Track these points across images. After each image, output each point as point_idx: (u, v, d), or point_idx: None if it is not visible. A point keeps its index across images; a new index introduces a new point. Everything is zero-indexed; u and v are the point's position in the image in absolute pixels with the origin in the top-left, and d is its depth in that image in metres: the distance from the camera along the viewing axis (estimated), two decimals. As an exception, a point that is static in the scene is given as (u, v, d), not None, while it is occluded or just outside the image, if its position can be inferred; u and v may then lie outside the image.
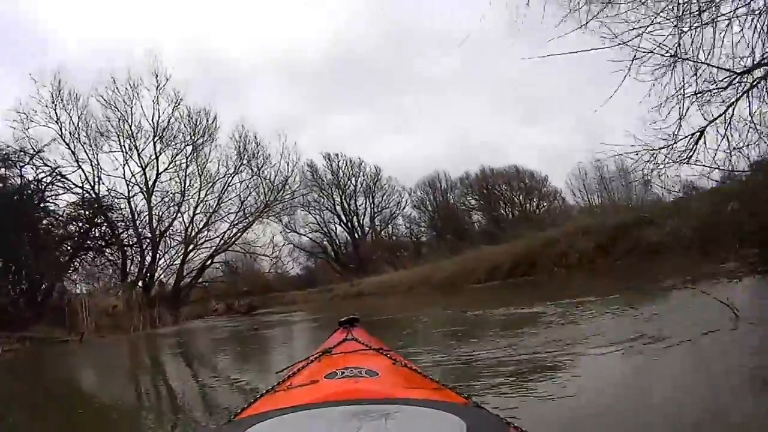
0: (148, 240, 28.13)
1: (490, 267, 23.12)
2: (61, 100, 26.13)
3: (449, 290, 23.78)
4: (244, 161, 31.18)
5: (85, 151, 26.55)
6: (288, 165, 32.57)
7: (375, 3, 56.80)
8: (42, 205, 22.04)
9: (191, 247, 29.45)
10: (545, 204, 52.31)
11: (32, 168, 22.43)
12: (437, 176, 53.73)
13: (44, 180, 22.97)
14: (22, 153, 22.65)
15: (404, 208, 54.21)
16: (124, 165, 28.01)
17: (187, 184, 29.73)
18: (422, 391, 1.65)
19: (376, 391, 1.56)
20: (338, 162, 53.71)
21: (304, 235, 53.04)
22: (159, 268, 29.04)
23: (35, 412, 7.07)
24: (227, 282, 31.93)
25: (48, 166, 23.49)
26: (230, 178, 30.74)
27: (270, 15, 64.60)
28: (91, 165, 26.56)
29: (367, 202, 54.28)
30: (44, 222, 22.24)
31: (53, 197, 23.12)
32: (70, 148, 26.07)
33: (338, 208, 54.21)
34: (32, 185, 21.98)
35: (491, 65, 58.70)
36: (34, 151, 22.86)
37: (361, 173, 54.16)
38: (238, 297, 31.43)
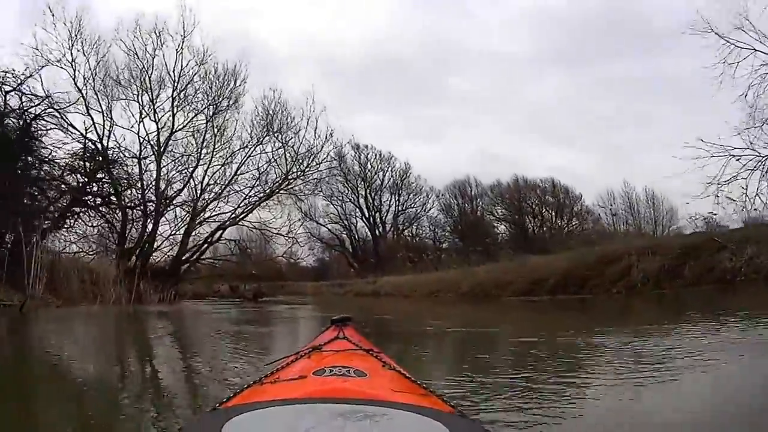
0: (152, 204, 24.89)
1: (532, 279, 19.71)
2: (80, 40, 23.17)
3: (481, 301, 20.44)
4: (270, 131, 27.29)
5: (98, 99, 23.59)
6: (316, 134, 28.18)
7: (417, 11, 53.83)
8: (26, 140, 18.43)
9: (199, 219, 26.10)
10: (577, 223, 48.79)
11: (18, 95, 18.80)
12: (467, 181, 50.14)
13: (31, 110, 19.08)
14: (5, 74, 18.87)
15: (430, 209, 50.72)
16: (140, 122, 24.69)
17: (204, 149, 26.09)
18: (409, 396, 1.61)
19: (363, 391, 1.52)
20: (367, 154, 50.47)
21: (323, 225, 49.84)
22: (162, 237, 25.78)
23: None
24: (236, 263, 28.33)
25: (37, 96, 19.49)
26: (252, 149, 27.06)
27: (312, 5, 61.39)
28: (103, 116, 23.48)
29: (393, 199, 50.88)
30: (27, 160, 18.63)
31: (42, 134, 19.26)
32: (81, 93, 23.15)
33: (362, 201, 50.98)
34: (14, 114, 18.42)
35: (522, 86, 57.71)
36: (25, 76, 19.30)
37: (390, 168, 50.83)
38: (245, 280, 28.36)
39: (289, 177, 27.71)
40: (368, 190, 50.44)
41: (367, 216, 50.84)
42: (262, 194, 26.97)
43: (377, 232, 50.74)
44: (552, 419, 3.67)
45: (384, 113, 65.59)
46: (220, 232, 26.85)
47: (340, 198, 50.50)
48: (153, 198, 24.74)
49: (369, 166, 50.26)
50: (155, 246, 25.23)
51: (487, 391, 4.58)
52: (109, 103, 23.92)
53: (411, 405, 1.46)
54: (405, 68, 59.80)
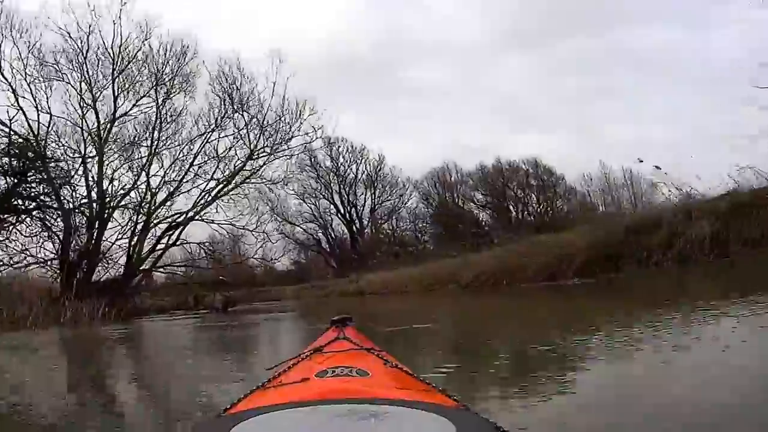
0: (95, 206, 20.57)
1: (549, 261, 16.45)
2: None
3: (491, 291, 17.14)
4: (231, 103, 23.17)
5: (30, 88, 19.64)
6: (285, 103, 24.04)
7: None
8: None
9: (153, 220, 22.02)
10: (562, 204, 45.84)
11: None
12: (446, 168, 46.83)
13: None
14: None
15: (408, 201, 47.29)
16: (81, 110, 20.64)
17: (155, 139, 21.95)
18: (413, 393, 1.55)
19: (367, 391, 1.48)
20: (338, 147, 46.85)
21: (297, 225, 46.04)
22: (110, 244, 21.67)
23: None
24: (200, 269, 24.42)
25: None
26: (209, 133, 23.04)
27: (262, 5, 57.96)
28: (36, 105, 19.50)
29: (368, 193, 47.32)
30: None
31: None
32: (7, 81, 19.23)
33: (336, 197, 47.33)
34: None
35: (484, 73, 55.91)
36: None
37: (363, 161, 47.27)
38: (214, 289, 23.32)
39: (255, 155, 23.64)
40: (342, 186, 46.90)
41: (342, 212, 47.17)
42: (224, 182, 23.11)
43: (354, 228, 47.16)
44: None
45: (347, 111, 65.19)
46: (176, 232, 22.91)
47: (313, 195, 46.85)
48: (95, 198, 20.71)
49: (341, 160, 46.75)
50: (100, 255, 21.15)
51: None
52: (44, 90, 19.93)
53: (415, 401, 1.40)
54: (361, 66, 57.52)
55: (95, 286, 19.49)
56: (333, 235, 47.92)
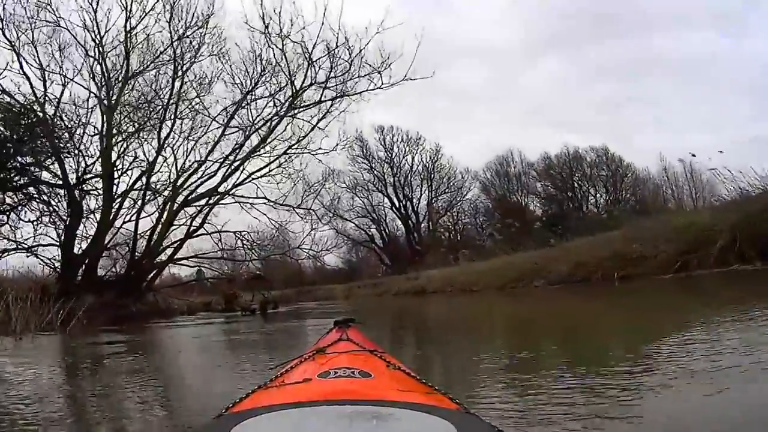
0: (104, 184, 16.56)
1: (680, 247, 12.18)
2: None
3: (601, 288, 13.01)
4: (267, 35, 17.23)
5: (39, 60, 16.52)
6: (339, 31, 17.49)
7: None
8: None
9: (175, 197, 17.49)
10: (633, 197, 40.73)
11: None
12: (509, 157, 42.43)
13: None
14: None
15: (467, 194, 43.09)
16: (92, 73, 16.94)
17: (177, 103, 17.46)
18: (415, 395, 1.54)
19: (369, 392, 1.48)
20: (392, 136, 43.12)
21: (349, 220, 42.50)
22: (125, 231, 17.77)
23: None
24: (234, 261, 19.85)
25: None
26: (245, 96, 17.76)
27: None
28: (44, 74, 16.21)
29: (425, 185, 43.37)
30: None
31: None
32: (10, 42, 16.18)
33: (390, 190, 43.59)
34: None
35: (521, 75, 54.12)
36: None
37: (419, 151, 43.36)
38: (251, 287, 18.95)
39: (301, 92, 17.74)
40: (396, 177, 43.13)
41: (397, 206, 43.51)
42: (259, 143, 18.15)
43: (410, 223, 43.38)
44: None
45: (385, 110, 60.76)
46: (203, 214, 18.33)
47: (366, 188, 43.33)
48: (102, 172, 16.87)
49: (396, 150, 42.98)
50: (108, 243, 17.37)
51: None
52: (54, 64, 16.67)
53: (417, 404, 1.40)
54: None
55: (100, 282, 16.20)
56: (387, 231, 44.22)
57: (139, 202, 17.75)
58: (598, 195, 41.44)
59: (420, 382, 1.71)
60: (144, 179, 17.60)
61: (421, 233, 43.26)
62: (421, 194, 43.29)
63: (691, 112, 47.87)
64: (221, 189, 17.96)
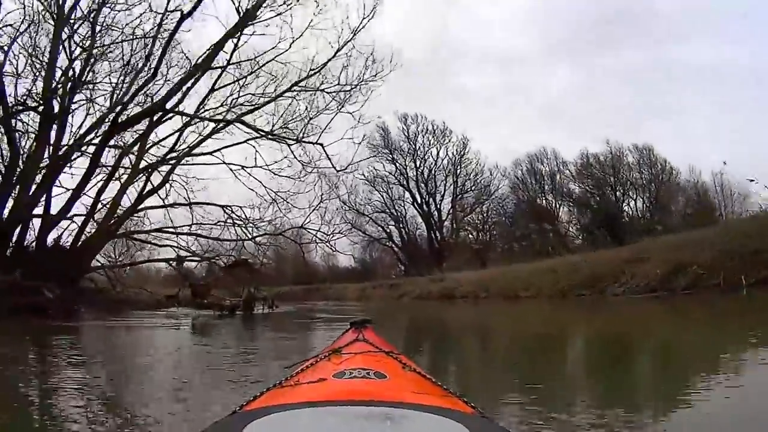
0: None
1: None
2: None
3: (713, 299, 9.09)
4: None
5: None
6: None
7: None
8: None
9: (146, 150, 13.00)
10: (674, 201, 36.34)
11: None
12: (543, 154, 38.15)
13: None
14: None
15: (495, 192, 38.89)
16: None
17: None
18: (429, 397, 1.49)
19: (383, 393, 1.43)
20: (417, 126, 39.19)
21: (366, 214, 38.65)
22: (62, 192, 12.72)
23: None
24: (211, 243, 14.54)
25: None
26: None
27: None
28: None
29: (450, 180, 39.34)
30: None
31: None
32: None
33: (412, 184, 39.66)
34: None
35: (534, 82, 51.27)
36: None
37: (445, 144, 39.36)
38: (233, 276, 14.04)
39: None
40: (419, 171, 39.16)
41: (419, 202, 39.56)
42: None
43: (432, 221, 39.40)
44: None
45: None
46: (164, 169, 13.56)
47: (385, 181, 39.43)
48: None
49: (420, 141, 39.01)
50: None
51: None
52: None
53: (431, 406, 1.35)
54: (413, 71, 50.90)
55: (29, 258, 11.47)
56: (407, 228, 40.23)
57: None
58: (638, 199, 37.16)
59: (435, 384, 1.65)
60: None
61: (443, 233, 39.30)
62: (445, 190, 39.29)
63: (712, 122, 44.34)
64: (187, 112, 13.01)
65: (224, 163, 13.13)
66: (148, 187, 13.45)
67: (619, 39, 52.42)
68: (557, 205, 38.14)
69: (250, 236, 12.97)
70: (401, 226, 40.08)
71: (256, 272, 13.78)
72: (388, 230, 40.28)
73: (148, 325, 9.75)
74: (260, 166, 12.93)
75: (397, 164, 39.25)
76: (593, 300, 12.10)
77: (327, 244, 13.67)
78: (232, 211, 13.19)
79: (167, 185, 13.41)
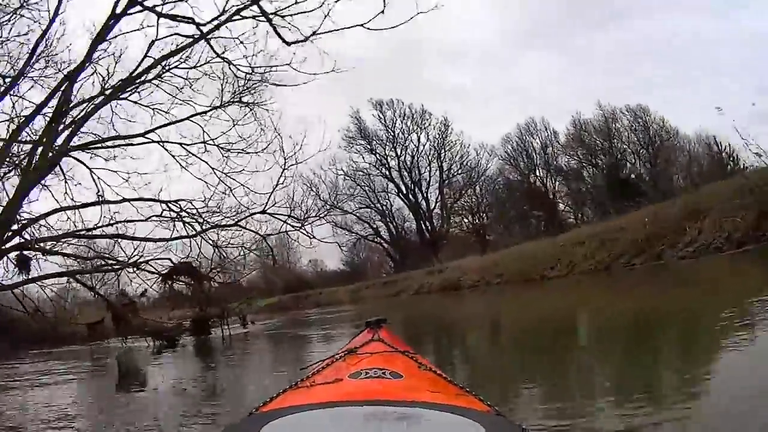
0: None
1: None
2: None
3: None
4: None
5: None
6: None
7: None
8: None
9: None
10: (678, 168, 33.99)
11: None
12: (533, 125, 35.41)
13: None
14: None
15: (484, 172, 36.21)
16: None
17: None
18: (445, 396, 1.51)
19: (399, 393, 1.45)
20: (393, 112, 36.47)
21: (350, 212, 35.76)
22: None
23: None
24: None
25: None
26: None
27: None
28: None
29: (434, 165, 36.68)
30: None
31: None
32: None
33: (395, 174, 36.95)
34: None
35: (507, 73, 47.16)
36: None
37: (426, 128, 36.66)
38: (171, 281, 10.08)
39: None
40: (401, 159, 36.41)
41: (404, 192, 36.83)
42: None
43: (421, 210, 36.73)
44: None
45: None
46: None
47: (366, 173, 36.64)
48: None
49: (398, 127, 36.28)
50: None
51: None
52: None
53: (447, 405, 1.37)
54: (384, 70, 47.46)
55: None
56: (395, 222, 37.48)
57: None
58: (637, 162, 34.80)
59: (451, 384, 1.66)
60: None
61: (434, 222, 36.68)
62: (431, 177, 36.64)
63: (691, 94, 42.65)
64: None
65: (158, 142, 9.74)
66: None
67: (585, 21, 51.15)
68: (553, 180, 35.85)
69: (195, 231, 9.56)
70: (388, 220, 37.34)
71: (208, 281, 10.19)
72: (374, 226, 37.54)
73: (49, 375, 6.91)
74: (206, 142, 9.72)
75: (377, 154, 36.55)
76: (650, 269, 9.51)
77: (301, 231, 10.32)
78: (181, 209, 10.01)
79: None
